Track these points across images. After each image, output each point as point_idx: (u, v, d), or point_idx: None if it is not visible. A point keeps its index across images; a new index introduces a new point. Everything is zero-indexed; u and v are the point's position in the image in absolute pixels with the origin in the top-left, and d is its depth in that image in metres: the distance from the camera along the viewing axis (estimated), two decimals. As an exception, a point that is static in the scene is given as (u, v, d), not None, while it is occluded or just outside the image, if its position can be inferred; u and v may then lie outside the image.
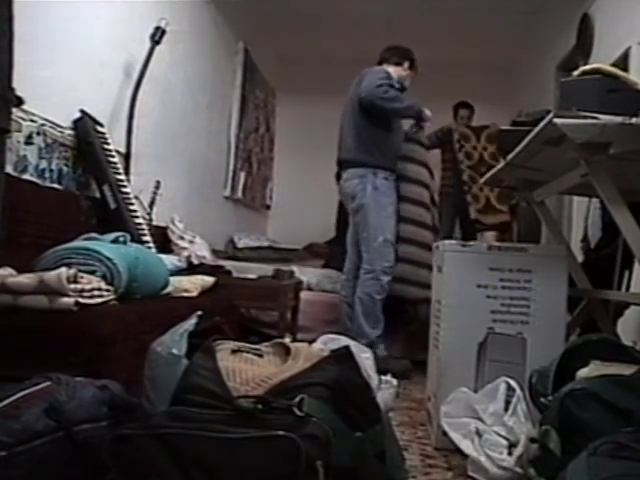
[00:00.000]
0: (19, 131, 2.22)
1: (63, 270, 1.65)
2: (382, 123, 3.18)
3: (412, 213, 3.34)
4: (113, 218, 2.59)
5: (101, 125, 2.72)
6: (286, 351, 1.27)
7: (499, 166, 2.17)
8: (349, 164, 3.24)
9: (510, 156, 1.97)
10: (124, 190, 2.70)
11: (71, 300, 1.62)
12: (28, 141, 2.29)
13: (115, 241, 2.06)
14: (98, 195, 2.63)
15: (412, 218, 3.34)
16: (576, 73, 1.76)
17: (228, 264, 3.61)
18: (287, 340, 1.59)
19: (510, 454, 1.54)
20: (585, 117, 1.48)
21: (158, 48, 3.11)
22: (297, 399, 1.03)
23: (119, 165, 2.74)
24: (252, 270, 3.57)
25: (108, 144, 2.71)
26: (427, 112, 3.23)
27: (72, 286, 1.64)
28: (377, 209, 3.14)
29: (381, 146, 3.18)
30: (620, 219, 1.63)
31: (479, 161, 4.96)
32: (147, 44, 3.08)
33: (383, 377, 2.16)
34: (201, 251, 3.33)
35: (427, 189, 3.45)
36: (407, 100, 3.15)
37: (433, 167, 3.71)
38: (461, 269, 1.95)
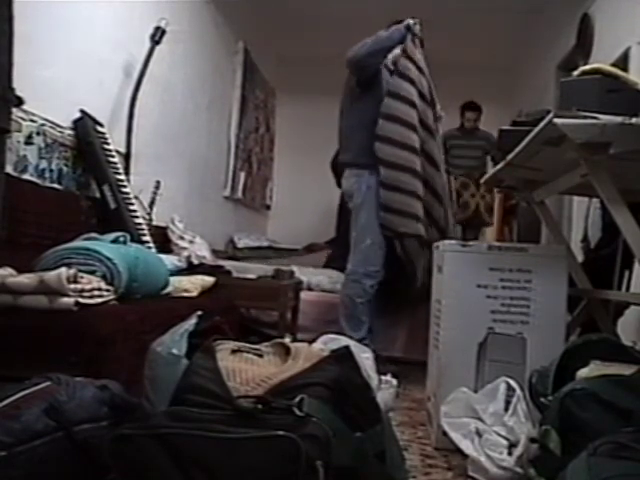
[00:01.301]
0: (19, 131, 2.22)
1: (63, 270, 1.65)
2: (376, 107, 3.07)
3: (402, 136, 3.01)
4: (113, 218, 2.59)
5: (101, 125, 2.72)
6: (286, 351, 1.27)
7: (499, 166, 2.17)
8: (348, 165, 3.23)
9: (510, 156, 1.97)
10: (124, 190, 2.70)
11: (71, 300, 1.62)
12: (28, 141, 2.29)
13: (115, 241, 2.06)
14: (98, 195, 2.63)
15: (402, 142, 3.00)
16: (576, 73, 1.76)
17: (228, 264, 3.61)
18: (287, 340, 1.59)
19: (510, 454, 1.54)
20: (585, 117, 1.48)
21: (158, 48, 3.11)
22: (297, 399, 1.03)
23: (119, 165, 2.74)
24: (252, 270, 3.57)
25: (108, 144, 2.71)
26: (411, 22, 3.08)
27: (72, 286, 1.64)
28: (368, 209, 3.05)
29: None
30: (620, 219, 1.63)
31: (475, 212, 5.02)
32: (147, 44, 3.08)
33: (383, 377, 2.16)
34: (201, 251, 3.33)
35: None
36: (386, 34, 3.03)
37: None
38: (461, 269, 1.95)
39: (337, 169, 4.89)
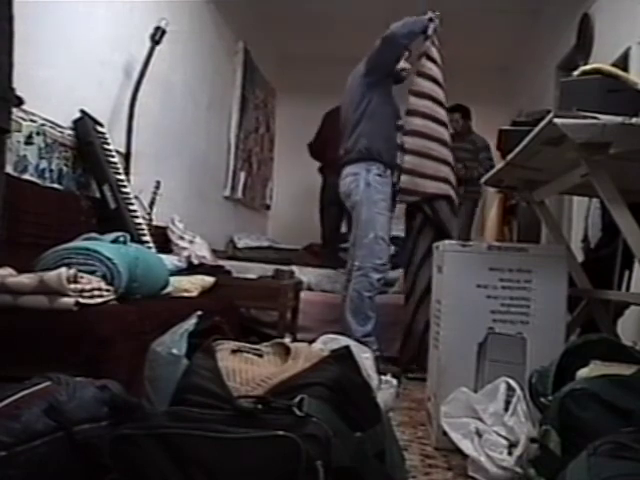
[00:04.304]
0: (19, 131, 2.22)
1: (63, 270, 1.65)
2: (381, 108, 3.19)
3: (426, 107, 3.24)
4: (113, 218, 2.59)
5: (101, 125, 2.71)
6: (286, 351, 1.27)
7: (499, 166, 2.17)
8: (345, 163, 3.26)
9: (510, 156, 1.97)
10: (124, 190, 2.70)
11: (71, 300, 1.62)
12: (28, 141, 2.29)
13: (115, 241, 2.06)
14: (98, 195, 2.63)
15: (422, 111, 3.23)
16: (576, 73, 1.76)
17: (228, 264, 3.61)
18: (287, 340, 1.59)
19: (510, 454, 1.54)
20: (585, 117, 1.48)
21: (158, 48, 3.11)
22: (297, 399, 1.03)
23: (119, 165, 2.74)
24: (252, 270, 3.57)
25: (108, 144, 2.70)
26: (428, 19, 3.24)
27: (72, 286, 1.64)
28: (369, 205, 3.12)
29: (377, 136, 3.18)
30: (620, 219, 1.63)
31: None
32: (147, 44, 3.08)
33: (383, 377, 2.16)
34: (201, 251, 3.33)
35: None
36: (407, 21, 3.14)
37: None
38: (461, 269, 1.95)
39: (316, 153, 4.93)
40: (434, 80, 3.26)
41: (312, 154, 5.03)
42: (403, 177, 3.19)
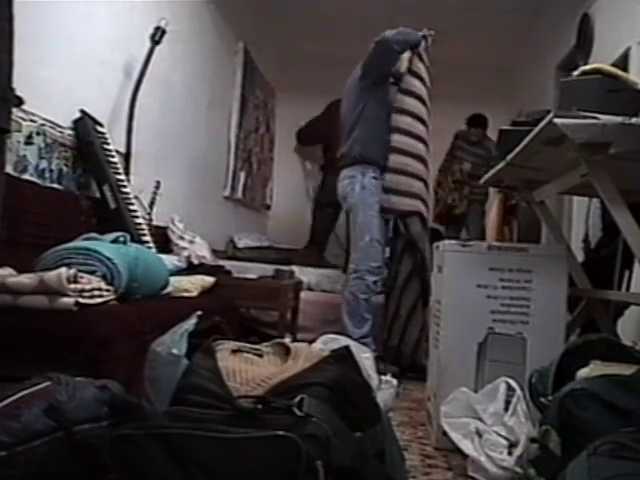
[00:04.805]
0: (19, 131, 2.22)
1: (63, 270, 1.65)
2: (376, 112, 3.19)
3: (405, 124, 3.24)
4: (113, 218, 2.59)
5: (101, 125, 2.71)
6: (286, 351, 1.27)
7: (499, 166, 2.17)
8: (343, 165, 3.27)
9: (510, 156, 1.97)
10: (124, 190, 2.70)
11: (71, 300, 1.62)
12: (28, 141, 2.29)
13: (115, 241, 2.06)
14: (98, 195, 2.63)
15: (404, 129, 3.23)
16: (576, 73, 1.76)
17: (228, 264, 3.61)
18: (287, 340, 1.59)
19: (510, 454, 1.54)
20: (585, 117, 1.48)
21: (158, 48, 3.11)
22: (297, 399, 1.03)
23: (119, 165, 2.74)
24: (252, 270, 3.57)
25: (108, 144, 2.70)
26: (422, 36, 3.24)
27: (72, 286, 1.64)
28: (364, 208, 3.14)
29: (372, 141, 3.19)
30: (620, 219, 1.63)
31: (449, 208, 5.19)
32: (147, 44, 3.07)
33: (383, 377, 2.16)
34: (201, 251, 3.33)
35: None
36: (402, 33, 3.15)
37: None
38: (461, 269, 1.95)
39: (304, 139, 4.92)
40: (417, 97, 3.26)
41: (300, 139, 4.99)
42: (382, 195, 3.20)
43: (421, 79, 3.28)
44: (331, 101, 4.74)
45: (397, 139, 3.19)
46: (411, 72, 3.25)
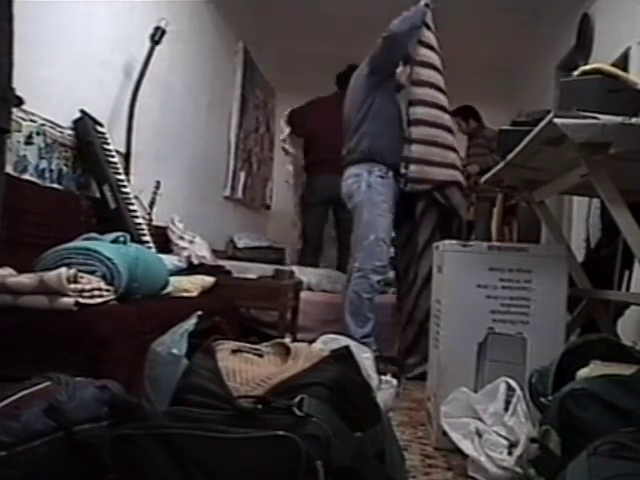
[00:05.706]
0: (19, 131, 2.22)
1: (63, 270, 1.65)
2: (384, 108, 3.17)
3: (428, 95, 3.20)
4: (113, 218, 2.59)
5: (101, 125, 2.71)
6: (286, 351, 1.27)
7: (499, 166, 2.17)
8: (348, 163, 3.25)
9: (510, 156, 1.97)
10: (124, 190, 2.70)
11: (71, 300, 1.62)
12: (28, 141, 2.29)
13: (115, 241, 2.06)
14: (98, 195, 2.63)
15: (424, 100, 3.18)
16: (576, 73, 1.76)
17: (228, 264, 3.61)
18: (287, 340, 1.59)
19: (510, 454, 1.54)
20: (585, 117, 1.48)
21: (158, 48, 3.11)
22: (297, 399, 1.03)
23: (119, 165, 2.74)
24: (252, 270, 3.56)
25: (108, 144, 2.70)
26: (425, 5, 3.21)
27: (72, 286, 1.64)
28: (370, 207, 3.11)
29: (381, 136, 3.16)
30: (620, 219, 1.63)
31: None
32: (147, 44, 3.08)
33: (383, 377, 2.16)
34: (201, 251, 3.33)
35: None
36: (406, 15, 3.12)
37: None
38: (461, 269, 1.95)
39: (295, 122, 4.90)
40: (432, 66, 3.21)
41: (292, 120, 4.95)
42: (412, 167, 3.14)
43: (432, 48, 3.24)
44: (313, 99, 4.73)
45: (420, 111, 3.15)
46: (421, 43, 3.20)
